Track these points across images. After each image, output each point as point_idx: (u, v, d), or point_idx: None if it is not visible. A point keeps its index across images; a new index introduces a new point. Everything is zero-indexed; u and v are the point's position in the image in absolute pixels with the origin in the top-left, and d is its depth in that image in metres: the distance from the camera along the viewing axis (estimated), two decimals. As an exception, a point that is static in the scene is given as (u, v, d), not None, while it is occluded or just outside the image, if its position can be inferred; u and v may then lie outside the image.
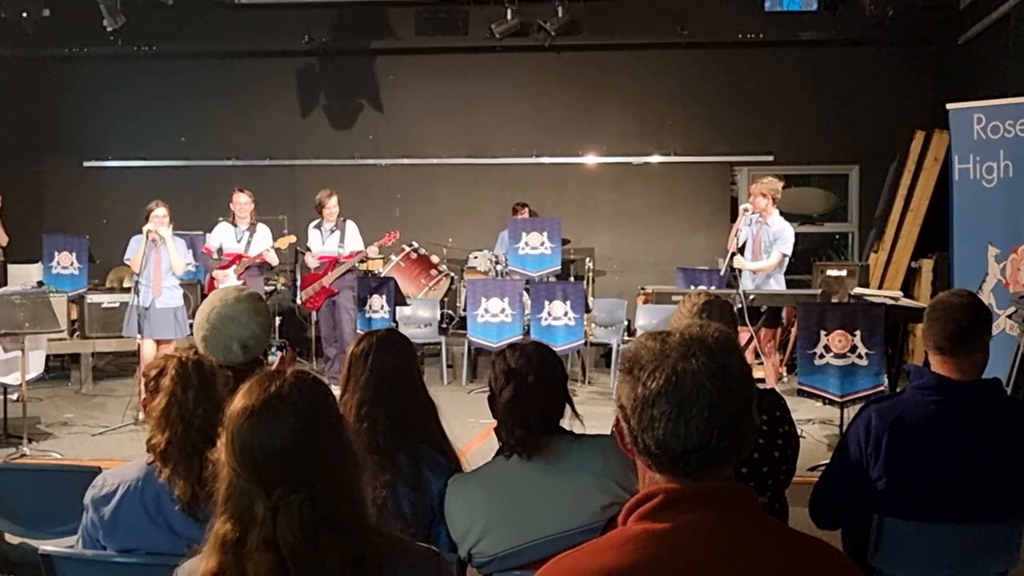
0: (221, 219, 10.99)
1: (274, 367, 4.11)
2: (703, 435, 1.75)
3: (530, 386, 3.19)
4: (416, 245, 12.55)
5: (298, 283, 11.63)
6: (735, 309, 8.29)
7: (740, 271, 9.51)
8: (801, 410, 9.18)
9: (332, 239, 10.88)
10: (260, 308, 3.85)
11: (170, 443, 2.98)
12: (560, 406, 3.27)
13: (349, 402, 3.34)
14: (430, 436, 3.43)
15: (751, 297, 8.98)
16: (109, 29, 12.50)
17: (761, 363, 9.72)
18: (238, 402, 2.13)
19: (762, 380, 9.67)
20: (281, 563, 2.00)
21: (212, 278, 10.46)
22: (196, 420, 2.98)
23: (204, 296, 10.37)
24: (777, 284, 9.65)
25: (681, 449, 1.75)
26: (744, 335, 9.06)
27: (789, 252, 9.70)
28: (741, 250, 9.62)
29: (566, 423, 3.29)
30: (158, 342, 9.35)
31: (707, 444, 1.75)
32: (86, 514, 3.12)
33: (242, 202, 10.65)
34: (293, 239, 11.01)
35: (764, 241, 9.67)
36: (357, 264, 11.05)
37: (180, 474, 2.97)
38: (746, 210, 9.70)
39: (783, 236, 9.63)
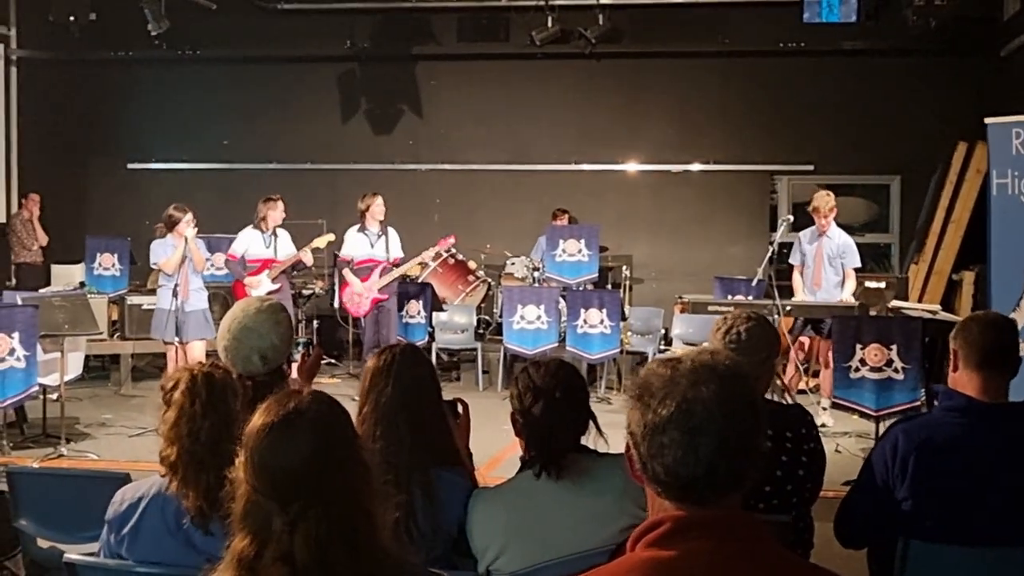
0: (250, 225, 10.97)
1: (298, 364, 4.15)
2: (712, 463, 1.75)
3: (558, 401, 3.20)
4: (454, 251, 12.57)
5: (336, 288, 11.58)
6: (770, 319, 8.35)
7: (774, 283, 9.44)
8: (837, 423, 9.15)
9: (380, 243, 10.78)
10: (281, 319, 3.87)
11: (179, 456, 3.00)
12: (584, 423, 3.28)
13: (369, 417, 3.33)
14: (448, 454, 3.44)
15: (788, 308, 8.94)
16: (153, 33, 12.68)
17: (802, 373, 9.71)
18: (257, 419, 2.15)
19: (816, 389, 9.63)
20: None
21: (243, 285, 10.41)
22: (203, 434, 2.99)
23: (229, 303, 10.45)
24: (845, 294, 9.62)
25: (690, 477, 1.76)
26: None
27: (859, 263, 9.70)
28: (769, 262, 9.56)
29: (589, 442, 3.29)
30: (182, 344, 9.40)
31: (715, 472, 1.76)
32: (106, 532, 3.15)
33: (281, 208, 10.66)
34: (332, 237, 10.91)
35: (828, 254, 9.59)
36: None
37: (189, 487, 2.99)
38: (787, 221, 9.71)
39: (852, 250, 9.59)
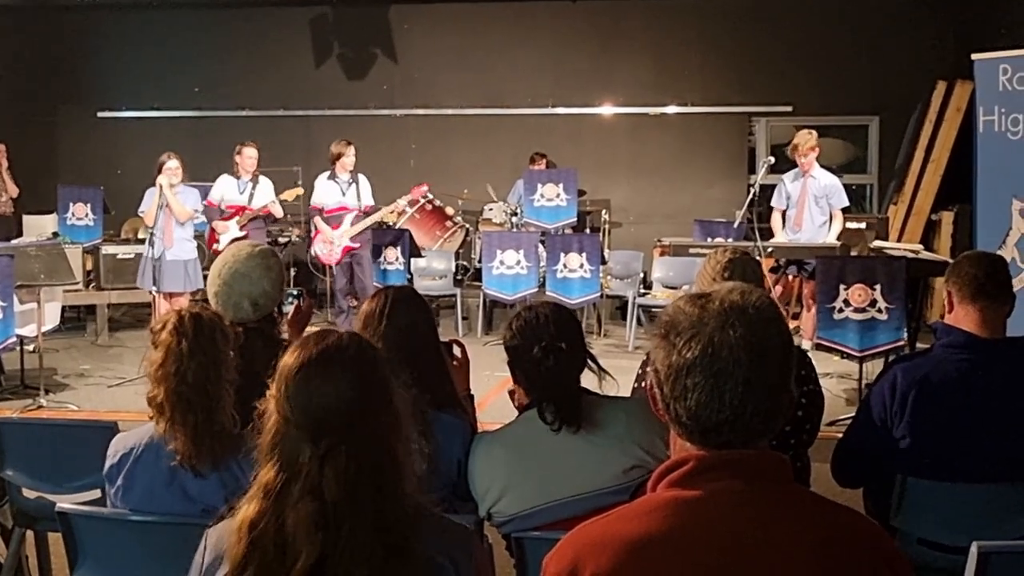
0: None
1: (290, 316, 4.08)
2: (736, 409, 1.71)
3: (562, 348, 3.13)
4: (431, 196, 12.47)
5: (312, 236, 11.46)
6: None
7: (754, 226, 9.36)
8: (819, 365, 9.14)
9: (352, 191, 10.65)
10: (272, 264, 3.80)
11: (166, 397, 2.96)
12: (583, 363, 3.24)
13: None
14: (446, 397, 3.38)
15: (768, 249, 8.89)
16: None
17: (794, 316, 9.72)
18: (293, 355, 2.12)
19: (796, 331, 9.62)
20: (322, 513, 2.00)
21: (213, 230, 10.33)
22: (189, 374, 2.94)
23: (206, 249, 10.37)
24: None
25: (713, 422, 1.72)
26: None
27: (847, 203, 9.65)
28: (750, 205, 9.46)
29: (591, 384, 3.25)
30: (168, 295, 9.30)
31: (740, 418, 1.72)
32: (106, 485, 3.11)
33: (253, 156, 10.44)
34: (301, 191, 10.79)
35: (813, 194, 9.53)
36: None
37: (176, 428, 2.95)
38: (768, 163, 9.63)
39: (838, 189, 9.55)
